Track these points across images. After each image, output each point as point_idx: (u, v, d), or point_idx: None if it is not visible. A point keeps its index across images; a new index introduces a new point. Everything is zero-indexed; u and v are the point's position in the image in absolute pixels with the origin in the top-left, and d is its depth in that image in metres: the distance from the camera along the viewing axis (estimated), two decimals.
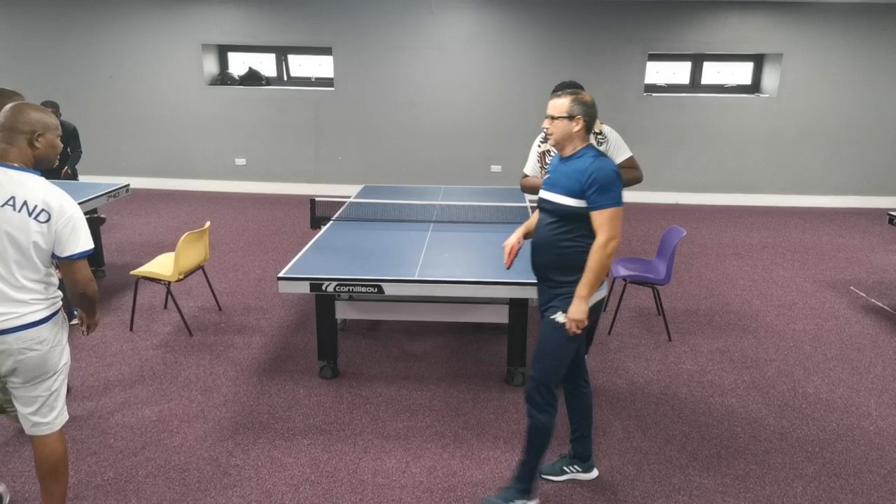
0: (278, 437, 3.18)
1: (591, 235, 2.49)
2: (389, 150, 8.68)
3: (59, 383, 2.46)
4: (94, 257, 5.46)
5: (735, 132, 8.47)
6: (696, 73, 8.71)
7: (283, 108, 8.69)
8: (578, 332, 2.52)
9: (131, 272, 4.39)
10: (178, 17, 8.43)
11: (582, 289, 2.48)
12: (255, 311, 4.77)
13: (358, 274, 3.44)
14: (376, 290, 3.39)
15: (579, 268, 2.50)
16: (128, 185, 5.72)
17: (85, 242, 2.37)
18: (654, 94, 8.49)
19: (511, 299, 3.59)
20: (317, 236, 4.21)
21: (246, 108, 8.71)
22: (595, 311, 2.66)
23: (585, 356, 2.92)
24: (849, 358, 4.17)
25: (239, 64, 9.09)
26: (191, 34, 8.49)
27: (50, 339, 2.34)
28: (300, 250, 3.91)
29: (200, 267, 4.55)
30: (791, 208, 8.46)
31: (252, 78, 8.86)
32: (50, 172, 6.16)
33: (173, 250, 4.26)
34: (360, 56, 8.41)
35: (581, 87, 3.04)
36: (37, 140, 2.40)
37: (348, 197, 5.32)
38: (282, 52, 8.91)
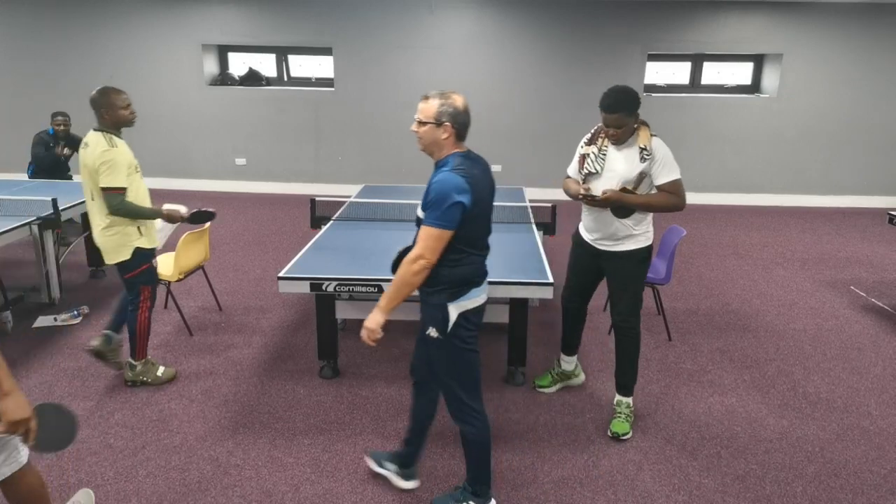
0: (278, 437, 3.18)
1: (452, 249, 2.33)
2: (389, 150, 8.68)
3: None
4: (94, 257, 5.47)
5: (735, 132, 8.48)
6: (695, 73, 8.71)
7: (283, 109, 8.69)
8: (371, 343, 2.38)
9: None
10: (178, 17, 8.44)
11: (381, 299, 2.37)
12: (255, 310, 4.78)
13: (358, 274, 3.44)
14: (376, 289, 3.39)
15: (440, 282, 2.36)
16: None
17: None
18: (653, 95, 8.50)
19: (511, 299, 3.59)
20: (317, 236, 4.21)
21: (246, 108, 8.71)
22: (477, 315, 2.49)
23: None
24: (849, 358, 4.17)
25: (239, 64, 9.10)
26: (191, 34, 8.49)
27: None
28: (300, 250, 3.91)
29: (201, 267, 4.55)
30: (791, 208, 8.46)
31: (252, 78, 8.86)
32: (57, 175, 6.20)
33: (173, 250, 4.26)
34: (361, 56, 8.41)
35: (634, 94, 2.93)
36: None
37: (348, 197, 5.32)
38: (282, 53, 8.91)
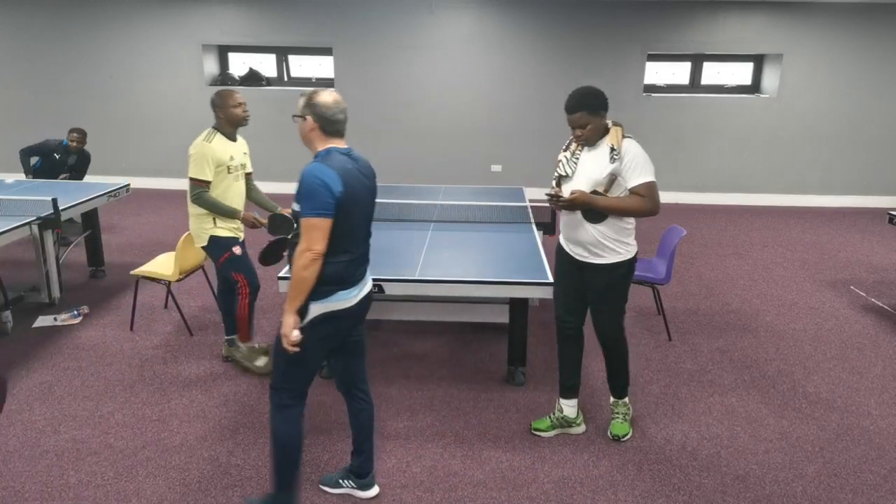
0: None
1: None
2: (389, 150, 8.68)
3: None
4: (94, 257, 5.47)
5: (735, 132, 8.47)
6: (695, 73, 8.71)
7: (283, 109, 8.68)
8: (293, 348, 2.32)
9: (131, 272, 4.39)
10: (178, 18, 8.44)
11: (286, 302, 2.31)
12: (255, 310, 4.77)
13: None
14: (377, 289, 3.39)
15: (319, 280, 2.30)
16: (128, 184, 5.73)
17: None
18: (653, 95, 8.50)
19: (511, 299, 3.59)
20: None
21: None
22: (342, 320, 2.42)
23: (362, 367, 2.71)
24: (849, 357, 4.17)
25: (239, 64, 9.10)
26: (191, 34, 8.49)
27: None
28: None
29: (201, 266, 4.55)
30: (791, 208, 8.46)
31: (252, 78, 8.86)
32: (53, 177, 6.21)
33: (173, 250, 4.26)
34: (361, 56, 8.41)
35: (596, 94, 2.87)
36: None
37: None
38: (282, 53, 8.91)
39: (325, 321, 2.38)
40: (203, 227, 3.68)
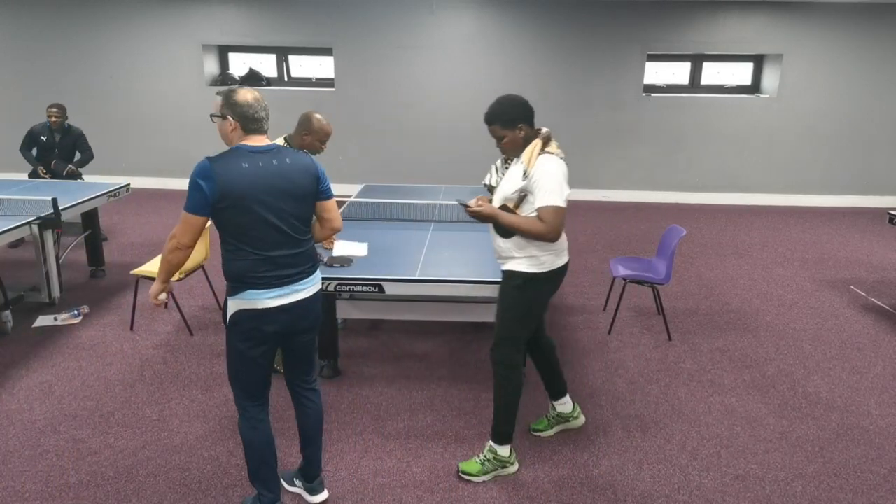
0: (279, 437, 3.18)
1: (223, 241, 2.35)
2: (390, 150, 8.68)
3: None
4: (94, 257, 5.47)
5: (735, 132, 8.48)
6: (695, 73, 8.71)
7: (283, 109, 8.66)
8: (156, 303, 2.51)
9: (132, 272, 4.39)
10: (178, 18, 8.44)
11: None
12: None
13: (358, 273, 3.44)
14: (377, 289, 3.39)
15: (224, 272, 2.37)
16: (128, 184, 5.73)
17: None
18: (653, 95, 8.50)
19: None
20: None
21: None
22: (263, 322, 2.38)
23: (306, 367, 2.67)
24: (849, 357, 4.17)
25: (239, 64, 9.10)
26: (191, 34, 8.49)
27: None
28: None
29: (201, 266, 4.55)
30: (791, 208, 8.46)
31: (252, 78, 8.86)
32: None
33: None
34: (361, 56, 8.41)
35: (512, 105, 2.72)
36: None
37: (349, 196, 5.32)
38: (282, 53, 8.91)
39: (242, 319, 2.36)
40: None
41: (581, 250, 6.33)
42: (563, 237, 2.82)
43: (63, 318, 4.51)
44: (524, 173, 2.69)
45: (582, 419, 3.31)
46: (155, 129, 8.80)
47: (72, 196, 5.10)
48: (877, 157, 8.48)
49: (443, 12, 8.21)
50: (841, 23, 8.02)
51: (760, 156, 8.54)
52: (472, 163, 8.56)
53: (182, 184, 8.91)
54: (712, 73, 8.72)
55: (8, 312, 4.35)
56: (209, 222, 2.42)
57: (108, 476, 2.89)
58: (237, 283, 2.35)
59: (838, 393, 3.71)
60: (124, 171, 8.83)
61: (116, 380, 3.73)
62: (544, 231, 2.65)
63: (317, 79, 9.00)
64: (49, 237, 4.68)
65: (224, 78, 8.91)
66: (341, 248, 3.84)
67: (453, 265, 3.62)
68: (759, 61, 8.65)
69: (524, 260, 2.76)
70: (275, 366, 3.76)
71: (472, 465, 2.92)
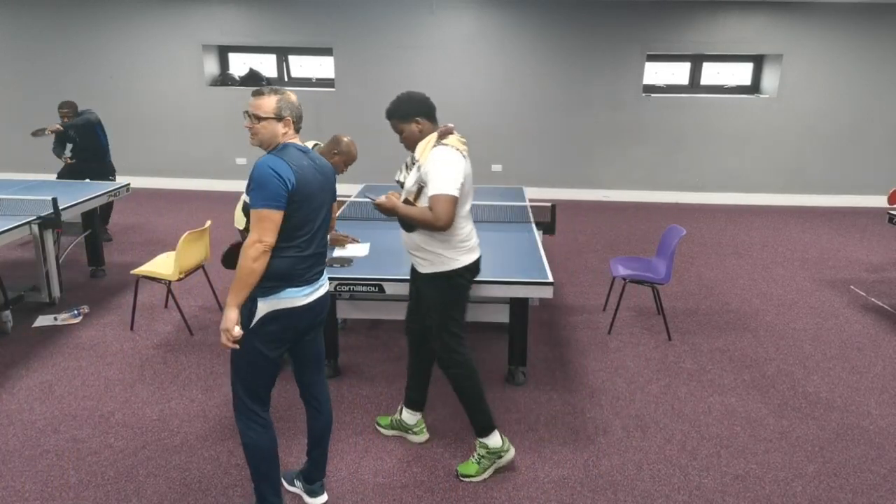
0: (279, 437, 3.18)
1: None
2: (390, 150, 8.65)
3: None
4: (94, 257, 5.47)
5: (735, 132, 8.48)
6: (695, 73, 8.71)
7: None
8: (231, 344, 2.28)
9: (132, 271, 4.39)
10: (178, 18, 8.44)
11: (229, 296, 2.26)
12: None
13: (358, 273, 3.44)
14: (377, 289, 3.39)
15: (267, 273, 2.27)
16: (128, 184, 5.73)
17: None
18: (653, 95, 8.50)
19: (511, 299, 3.59)
20: None
21: (246, 108, 8.70)
22: (293, 320, 2.37)
23: (317, 378, 2.63)
24: (849, 357, 4.17)
25: (240, 65, 9.10)
26: (191, 35, 8.49)
27: None
28: None
29: (201, 266, 4.55)
30: (791, 208, 8.46)
31: (253, 79, 8.86)
32: (95, 161, 6.31)
33: (174, 249, 4.26)
34: (361, 56, 8.42)
35: (408, 101, 2.85)
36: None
37: (349, 196, 5.33)
38: (282, 53, 8.91)
39: (274, 320, 2.33)
40: None
41: (581, 250, 6.33)
42: (472, 233, 2.89)
43: (63, 318, 4.51)
44: (417, 165, 2.79)
45: (423, 437, 3.17)
46: (155, 129, 8.80)
47: (72, 196, 5.10)
48: (877, 157, 8.48)
49: (443, 12, 8.21)
50: (841, 23, 8.02)
51: (760, 156, 8.54)
52: (473, 162, 8.56)
53: (182, 183, 8.92)
54: (712, 74, 8.72)
55: (8, 312, 4.35)
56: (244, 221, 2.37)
57: (108, 476, 2.89)
58: (277, 283, 2.30)
59: (838, 393, 3.71)
60: (124, 170, 8.80)
61: (116, 380, 3.73)
62: (432, 220, 2.66)
63: (317, 79, 9.00)
64: (49, 237, 4.69)
65: (224, 78, 8.92)
66: (344, 248, 3.84)
67: None
68: (758, 61, 8.65)
69: (438, 259, 2.79)
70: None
71: (469, 466, 2.92)
